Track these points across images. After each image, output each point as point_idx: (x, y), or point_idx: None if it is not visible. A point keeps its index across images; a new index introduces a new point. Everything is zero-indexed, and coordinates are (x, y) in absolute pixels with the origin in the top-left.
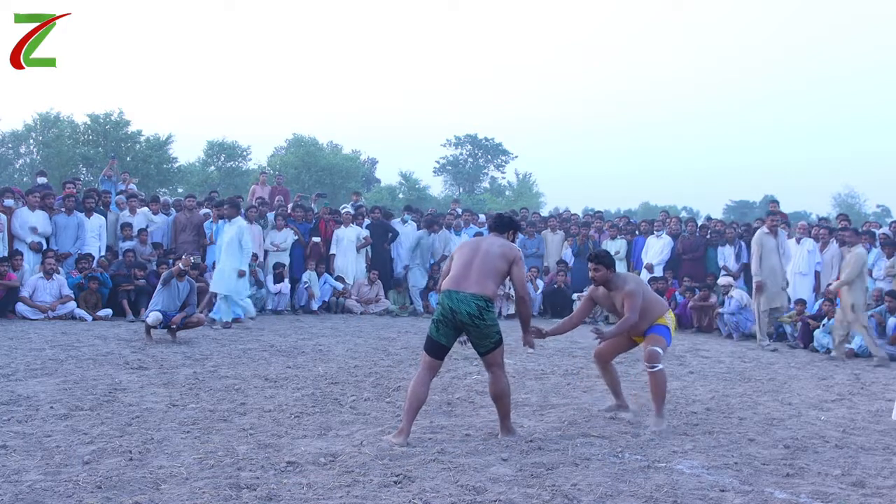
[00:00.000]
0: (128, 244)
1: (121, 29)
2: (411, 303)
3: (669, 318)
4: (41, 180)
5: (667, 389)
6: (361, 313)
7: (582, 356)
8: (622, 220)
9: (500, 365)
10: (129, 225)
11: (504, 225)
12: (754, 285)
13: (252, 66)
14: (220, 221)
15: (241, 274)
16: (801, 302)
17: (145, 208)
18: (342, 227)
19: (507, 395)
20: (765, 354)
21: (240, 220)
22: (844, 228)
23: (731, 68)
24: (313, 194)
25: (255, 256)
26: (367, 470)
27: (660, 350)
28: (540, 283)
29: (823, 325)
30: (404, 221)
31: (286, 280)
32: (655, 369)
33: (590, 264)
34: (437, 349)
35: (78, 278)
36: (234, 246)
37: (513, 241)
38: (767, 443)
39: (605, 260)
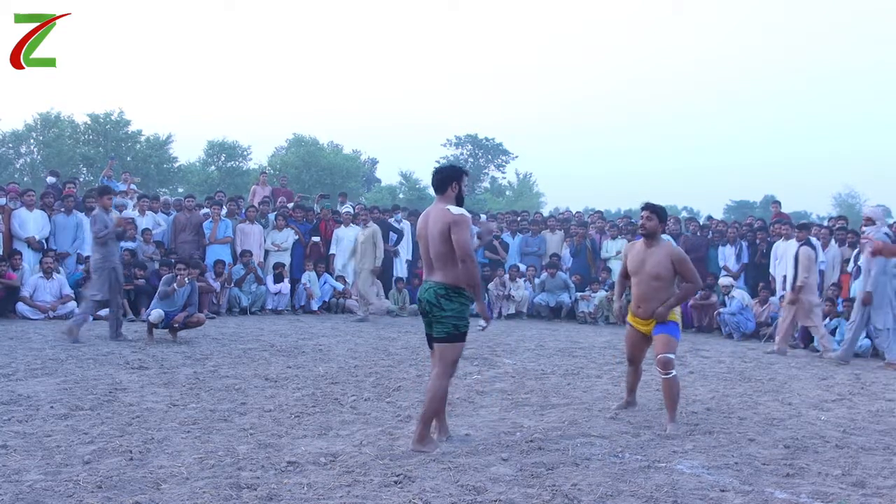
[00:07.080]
0: (129, 244)
1: (121, 29)
2: (412, 303)
3: (677, 311)
4: (51, 180)
5: (680, 394)
6: None
7: (582, 356)
8: (622, 220)
9: (447, 362)
10: (135, 225)
11: (444, 181)
12: None
13: (252, 66)
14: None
15: None
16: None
17: (149, 212)
18: (342, 226)
19: (439, 398)
20: (765, 354)
21: None
22: (843, 229)
23: (730, 67)
24: (317, 195)
25: (251, 254)
26: (368, 470)
27: (672, 356)
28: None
29: (824, 325)
30: (398, 221)
31: (286, 280)
32: (669, 376)
33: (644, 212)
34: (430, 341)
35: (80, 273)
36: None
37: (458, 191)
38: (767, 443)
39: (660, 211)
